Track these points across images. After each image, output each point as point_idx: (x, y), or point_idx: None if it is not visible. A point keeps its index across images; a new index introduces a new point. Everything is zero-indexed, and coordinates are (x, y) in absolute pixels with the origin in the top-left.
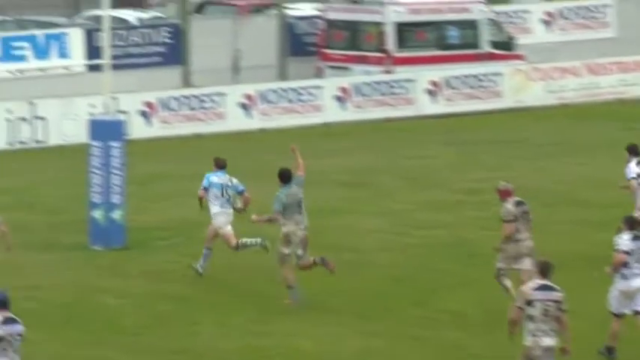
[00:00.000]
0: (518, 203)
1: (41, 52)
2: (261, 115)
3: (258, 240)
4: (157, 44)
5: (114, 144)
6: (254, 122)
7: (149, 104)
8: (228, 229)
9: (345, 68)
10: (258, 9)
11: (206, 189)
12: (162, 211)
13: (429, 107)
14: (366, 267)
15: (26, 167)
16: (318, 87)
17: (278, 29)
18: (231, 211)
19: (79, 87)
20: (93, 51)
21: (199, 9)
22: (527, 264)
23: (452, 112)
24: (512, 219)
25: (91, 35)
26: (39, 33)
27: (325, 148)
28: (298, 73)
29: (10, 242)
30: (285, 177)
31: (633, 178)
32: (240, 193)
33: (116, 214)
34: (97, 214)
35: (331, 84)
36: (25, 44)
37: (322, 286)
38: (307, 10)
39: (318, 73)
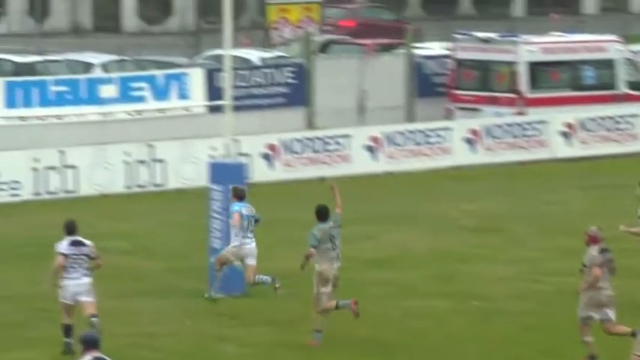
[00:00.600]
0: (603, 250)
1: (160, 93)
2: (388, 158)
3: (269, 279)
4: (280, 84)
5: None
6: (380, 165)
7: (272, 146)
8: (254, 262)
9: (476, 109)
10: (384, 48)
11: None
12: (284, 258)
13: (563, 150)
14: (495, 315)
15: (144, 211)
16: (447, 129)
17: (405, 69)
18: (254, 244)
19: (199, 129)
20: (214, 91)
21: (324, 48)
22: (607, 314)
23: (587, 155)
24: (597, 265)
25: (211, 75)
26: (158, 73)
27: (454, 192)
28: (426, 115)
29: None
30: (322, 214)
31: None
32: (257, 221)
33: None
34: None
35: (461, 126)
36: (144, 85)
37: (451, 333)
38: (436, 49)
39: (448, 115)
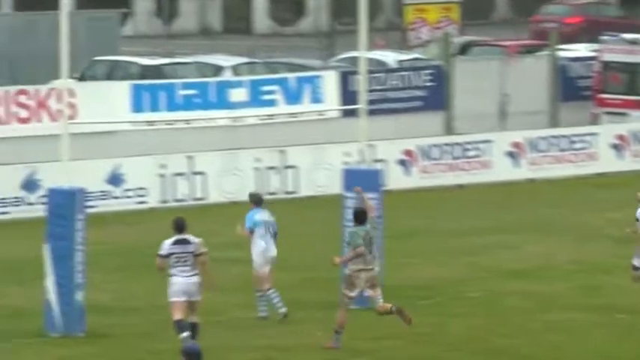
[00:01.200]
0: None
1: (292, 97)
2: (530, 165)
3: (283, 310)
4: (417, 88)
5: (370, 195)
6: (522, 172)
7: (408, 152)
8: (266, 270)
9: (623, 114)
10: (527, 50)
11: (252, 230)
12: (421, 269)
13: None
14: None
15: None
16: (592, 134)
17: (549, 72)
18: (274, 253)
19: (333, 134)
20: (348, 95)
21: (463, 50)
22: None
23: None
24: None
25: (346, 78)
26: (290, 76)
27: (600, 200)
28: (571, 120)
29: (211, 277)
30: (360, 217)
31: None
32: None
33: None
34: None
35: (607, 131)
36: (275, 88)
37: (592, 348)
38: (581, 51)
39: (593, 120)
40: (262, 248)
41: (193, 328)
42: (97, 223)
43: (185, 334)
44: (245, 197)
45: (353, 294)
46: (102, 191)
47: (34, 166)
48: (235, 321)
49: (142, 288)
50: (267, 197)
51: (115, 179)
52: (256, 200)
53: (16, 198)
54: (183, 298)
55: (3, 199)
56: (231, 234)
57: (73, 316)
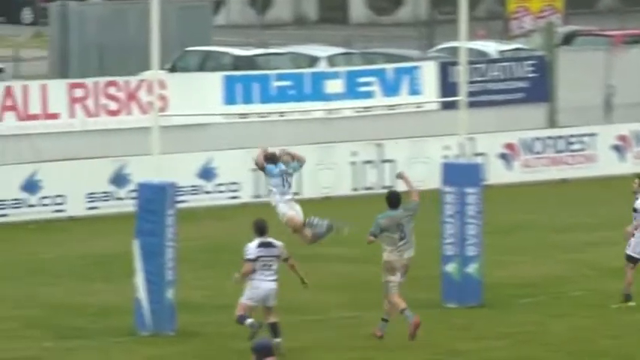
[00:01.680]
0: None
1: (390, 88)
2: (636, 159)
3: (325, 222)
4: (519, 79)
5: (470, 190)
6: (628, 166)
7: (510, 146)
8: (292, 213)
9: None
10: (634, 40)
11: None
12: (522, 266)
13: None
14: None
15: (372, 216)
16: None
17: None
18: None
19: (432, 126)
20: (447, 87)
21: (567, 40)
22: None
23: None
24: None
25: (445, 69)
26: (388, 67)
27: None
28: None
29: (302, 276)
30: (392, 201)
31: None
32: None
33: (471, 269)
34: (451, 267)
35: None
36: (372, 79)
37: None
38: None
39: None
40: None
41: (274, 328)
42: (188, 218)
43: (250, 320)
44: (340, 192)
45: (396, 278)
46: (193, 186)
47: (123, 160)
48: (334, 320)
49: (234, 285)
50: (363, 192)
51: (206, 173)
52: (271, 158)
53: (104, 193)
54: (255, 304)
55: (92, 193)
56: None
57: (163, 315)
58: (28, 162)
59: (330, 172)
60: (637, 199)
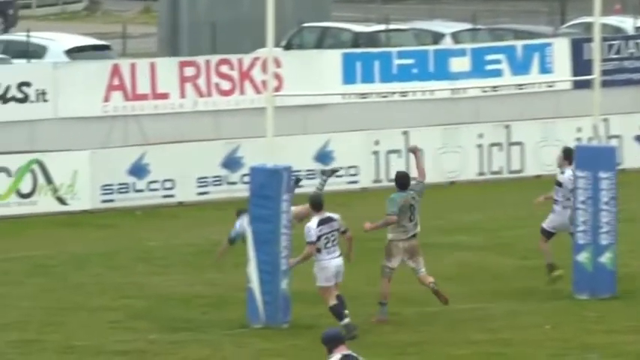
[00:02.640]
0: None
1: (519, 67)
2: None
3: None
4: None
5: (603, 175)
6: None
7: None
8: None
9: None
10: None
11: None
12: None
13: None
14: None
15: (499, 201)
16: None
17: None
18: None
19: (563, 107)
20: (580, 65)
21: None
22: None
23: None
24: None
25: (578, 46)
26: (517, 44)
27: None
28: None
29: (353, 252)
30: (403, 182)
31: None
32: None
33: (605, 258)
34: (582, 257)
35: None
36: (500, 57)
37: None
38: None
39: None
40: None
41: (343, 300)
42: (304, 204)
43: (347, 320)
44: (466, 176)
45: (392, 264)
46: (309, 170)
47: (235, 143)
48: (454, 312)
49: (355, 275)
50: (489, 177)
51: (323, 156)
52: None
53: (216, 177)
54: (333, 282)
55: (202, 178)
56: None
57: (277, 306)
58: (135, 145)
59: (454, 156)
60: (562, 172)
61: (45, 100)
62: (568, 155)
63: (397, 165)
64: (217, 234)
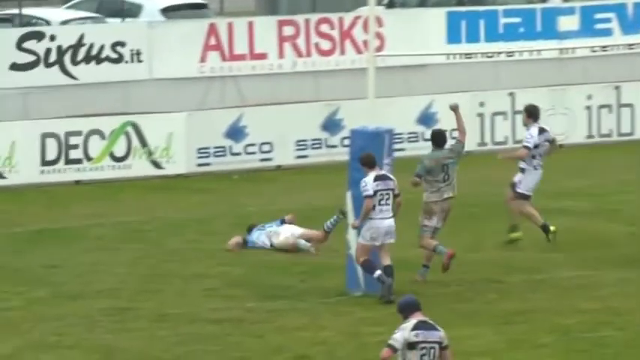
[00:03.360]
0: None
1: (630, 26)
2: None
3: (334, 217)
4: None
5: None
6: None
7: None
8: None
9: None
10: None
11: None
12: None
13: None
14: None
15: (607, 165)
16: None
17: None
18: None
19: None
20: None
21: None
22: None
23: None
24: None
25: None
26: (628, 2)
27: None
28: None
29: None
30: (437, 139)
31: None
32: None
33: None
34: None
35: None
36: (610, 15)
37: None
38: None
39: None
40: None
41: (389, 271)
42: (406, 168)
43: (378, 272)
44: (574, 139)
45: (432, 223)
46: (411, 132)
47: (335, 105)
48: (562, 280)
49: (461, 242)
50: (598, 140)
51: (426, 119)
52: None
53: (315, 140)
54: (378, 242)
55: (301, 140)
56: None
57: None
58: (232, 106)
59: (562, 118)
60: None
61: (140, 61)
62: (532, 113)
63: (503, 128)
64: (317, 199)
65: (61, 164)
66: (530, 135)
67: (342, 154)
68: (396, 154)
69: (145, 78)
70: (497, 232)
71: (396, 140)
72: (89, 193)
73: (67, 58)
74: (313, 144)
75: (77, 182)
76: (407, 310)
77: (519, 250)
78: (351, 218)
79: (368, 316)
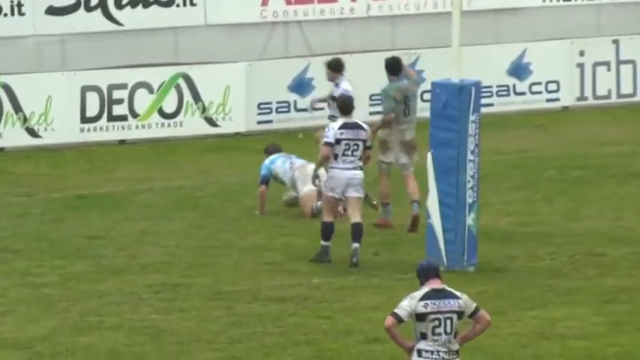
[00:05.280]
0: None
1: None
2: None
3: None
4: None
5: None
6: None
7: None
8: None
9: None
10: None
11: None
12: None
13: None
14: None
15: None
16: None
17: None
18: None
19: None
20: None
21: None
22: None
23: None
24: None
25: None
26: None
27: None
28: None
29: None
30: (394, 67)
31: None
32: None
33: None
34: None
35: None
36: None
37: None
38: None
39: None
40: None
41: (356, 230)
42: (496, 126)
43: (328, 243)
44: None
45: (388, 159)
46: (501, 85)
47: (415, 54)
48: None
49: (558, 209)
50: None
51: (519, 70)
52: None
53: None
54: (338, 194)
55: (376, 95)
56: None
57: (461, 246)
58: (297, 56)
59: None
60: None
61: (193, 4)
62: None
63: (606, 80)
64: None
65: (103, 121)
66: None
67: (423, 111)
68: (484, 109)
69: (198, 24)
70: (601, 199)
71: (484, 94)
72: (135, 154)
73: (110, 1)
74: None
75: (122, 142)
76: (422, 274)
77: (624, 220)
78: (430, 182)
79: None
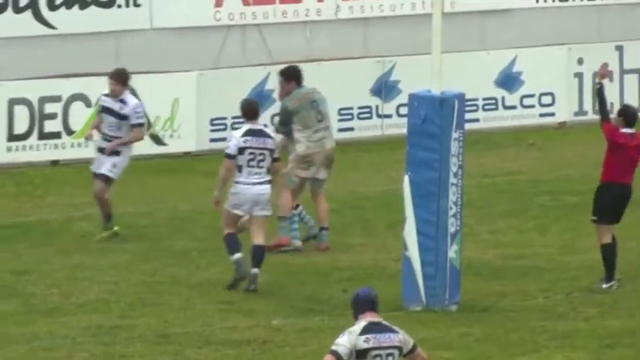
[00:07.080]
0: None
1: None
2: None
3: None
4: None
5: None
6: None
7: None
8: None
9: None
10: None
11: None
12: None
13: None
14: None
15: None
16: None
17: None
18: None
19: None
20: None
21: None
22: None
23: None
24: None
25: None
26: None
27: None
28: None
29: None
30: (295, 75)
31: None
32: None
33: None
34: None
35: None
36: None
37: None
38: None
39: None
40: None
41: (257, 253)
42: (483, 144)
43: (238, 255)
44: None
45: (306, 175)
46: (489, 98)
47: (390, 62)
48: None
49: (553, 240)
50: None
51: (508, 80)
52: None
53: (363, 108)
54: (242, 212)
55: (346, 109)
56: None
57: (443, 281)
58: (256, 64)
59: None
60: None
61: (137, 5)
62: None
63: (608, 92)
64: (366, 186)
65: (33, 139)
66: None
67: (398, 127)
68: (469, 125)
69: (143, 27)
70: None
71: (469, 108)
72: (69, 177)
73: (42, 2)
74: (360, 113)
75: (54, 162)
76: (356, 306)
77: (628, 252)
78: (407, 209)
79: (432, 337)
